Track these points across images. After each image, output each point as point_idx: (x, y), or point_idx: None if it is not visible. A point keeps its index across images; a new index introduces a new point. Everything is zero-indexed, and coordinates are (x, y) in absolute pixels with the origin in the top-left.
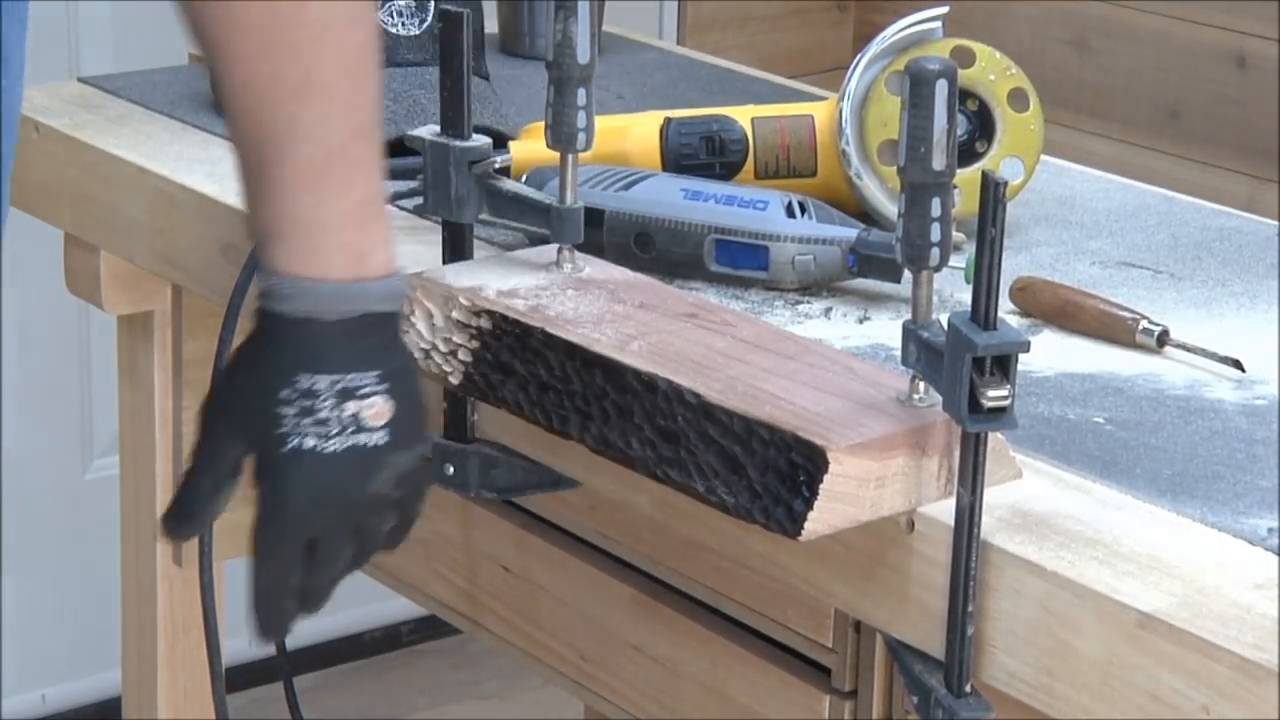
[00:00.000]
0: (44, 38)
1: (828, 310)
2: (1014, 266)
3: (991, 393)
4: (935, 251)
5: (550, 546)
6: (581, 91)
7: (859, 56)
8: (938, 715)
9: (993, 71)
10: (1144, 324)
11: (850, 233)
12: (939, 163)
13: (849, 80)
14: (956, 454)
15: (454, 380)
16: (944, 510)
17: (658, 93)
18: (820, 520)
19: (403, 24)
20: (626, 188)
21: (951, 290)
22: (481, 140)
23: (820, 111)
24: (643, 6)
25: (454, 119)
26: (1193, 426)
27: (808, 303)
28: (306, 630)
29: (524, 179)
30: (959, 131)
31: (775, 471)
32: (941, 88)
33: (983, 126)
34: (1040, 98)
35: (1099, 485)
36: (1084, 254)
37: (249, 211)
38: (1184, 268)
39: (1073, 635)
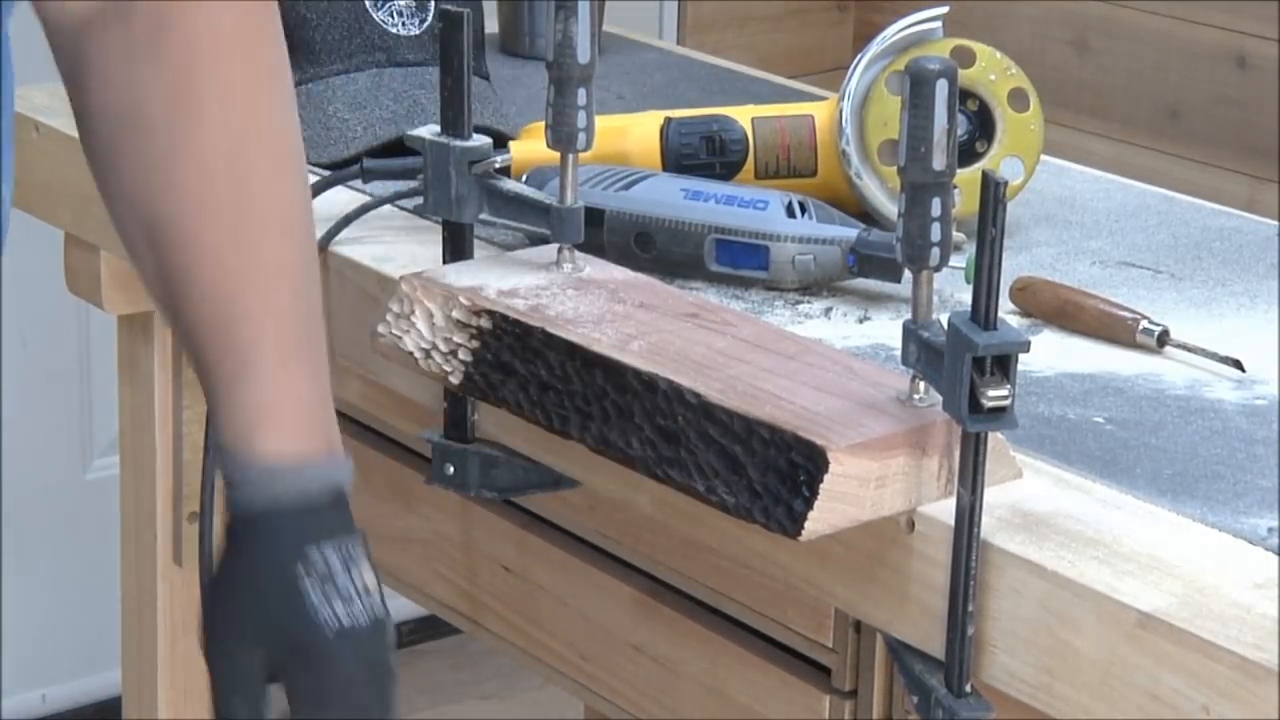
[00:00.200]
0: (44, 38)
1: (828, 310)
2: (1014, 266)
3: (992, 393)
4: (935, 251)
5: (550, 546)
6: (582, 91)
7: (859, 56)
8: (938, 715)
9: (993, 71)
10: (1144, 324)
11: (850, 233)
12: (939, 163)
13: (849, 80)
14: (957, 454)
15: (454, 380)
16: (944, 510)
17: (658, 93)
18: (820, 520)
19: (403, 24)
20: (627, 188)
21: (951, 290)
22: (482, 140)
23: (820, 111)
24: (643, 6)
25: (454, 119)
26: (1193, 426)
27: (808, 303)
28: None
29: (524, 179)
30: (959, 131)
31: (775, 471)
32: (942, 88)
33: (983, 126)
34: (1040, 98)
35: (1099, 485)
36: (1084, 254)
37: (214, 408)
38: (1184, 268)
39: (1073, 635)
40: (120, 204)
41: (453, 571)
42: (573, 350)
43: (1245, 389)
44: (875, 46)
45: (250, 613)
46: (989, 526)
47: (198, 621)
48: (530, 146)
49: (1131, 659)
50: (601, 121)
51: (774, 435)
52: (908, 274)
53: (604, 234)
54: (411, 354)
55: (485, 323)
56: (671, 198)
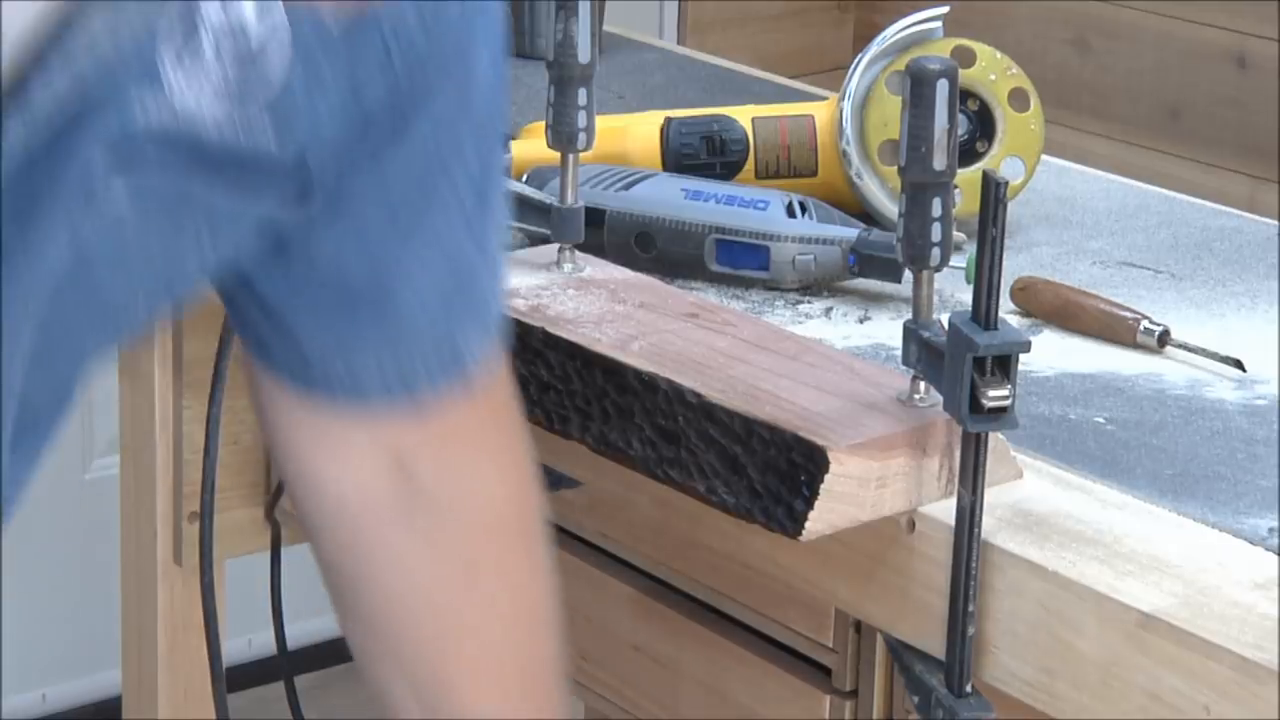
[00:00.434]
0: None
1: (828, 310)
2: (1014, 266)
3: (992, 393)
4: (936, 251)
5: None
6: (582, 91)
7: (859, 56)
8: (938, 715)
9: (993, 71)
10: (1144, 324)
11: (851, 233)
12: (940, 163)
13: (850, 80)
14: (957, 454)
15: None
16: (944, 510)
17: (658, 93)
18: (821, 520)
19: None
20: (627, 187)
21: (952, 290)
22: None
23: (821, 111)
24: (643, 6)
25: None
26: (1193, 426)
27: (808, 303)
28: (306, 630)
29: (524, 179)
30: (960, 131)
31: (776, 471)
32: (942, 87)
33: (983, 126)
34: (1041, 98)
35: (1099, 485)
36: (1084, 254)
37: None
38: (1184, 268)
39: (1073, 635)
40: (384, 662)
41: None
42: (573, 350)
43: (1246, 389)
44: (876, 46)
45: None
46: (989, 526)
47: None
48: (530, 146)
49: (1132, 659)
50: (602, 121)
51: (774, 435)
52: (908, 274)
53: (604, 234)
54: None
55: None
56: (672, 198)
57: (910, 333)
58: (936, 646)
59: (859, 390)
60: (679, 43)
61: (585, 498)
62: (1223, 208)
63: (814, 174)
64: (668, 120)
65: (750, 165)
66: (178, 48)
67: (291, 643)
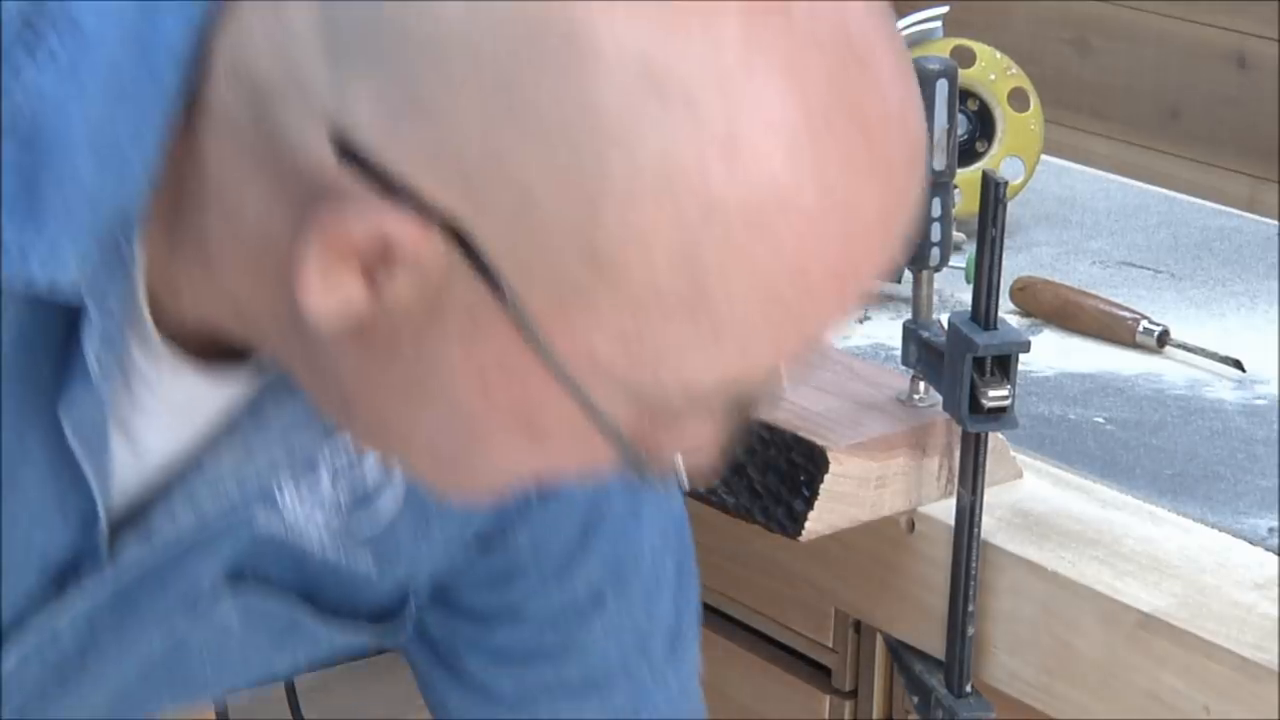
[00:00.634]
0: None
1: None
2: (1014, 266)
3: (992, 393)
4: (935, 251)
5: None
6: None
7: None
8: (938, 715)
9: (993, 71)
10: (1144, 324)
11: None
12: (940, 162)
13: None
14: (957, 454)
15: None
16: (944, 510)
17: None
18: (820, 520)
19: None
20: None
21: (952, 290)
22: None
23: None
24: None
25: None
26: (1193, 426)
27: None
28: None
29: None
30: (959, 131)
31: (775, 471)
32: (942, 87)
33: (983, 126)
34: (1040, 98)
35: (1099, 485)
36: (1084, 254)
37: None
38: (1184, 267)
39: (1073, 635)
40: None
41: None
42: None
43: (1245, 389)
44: None
45: None
46: (989, 526)
47: None
48: None
49: (1132, 659)
50: None
51: (774, 435)
52: (908, 274)
53: None
54: None
55: None
56: None
57: (910, 333)
58: (936, 646)
59: (858, 390)
60: None
61: None
62: (1222, 207)
63: None
64: None
65: None
66: (297, 477)
67: None
